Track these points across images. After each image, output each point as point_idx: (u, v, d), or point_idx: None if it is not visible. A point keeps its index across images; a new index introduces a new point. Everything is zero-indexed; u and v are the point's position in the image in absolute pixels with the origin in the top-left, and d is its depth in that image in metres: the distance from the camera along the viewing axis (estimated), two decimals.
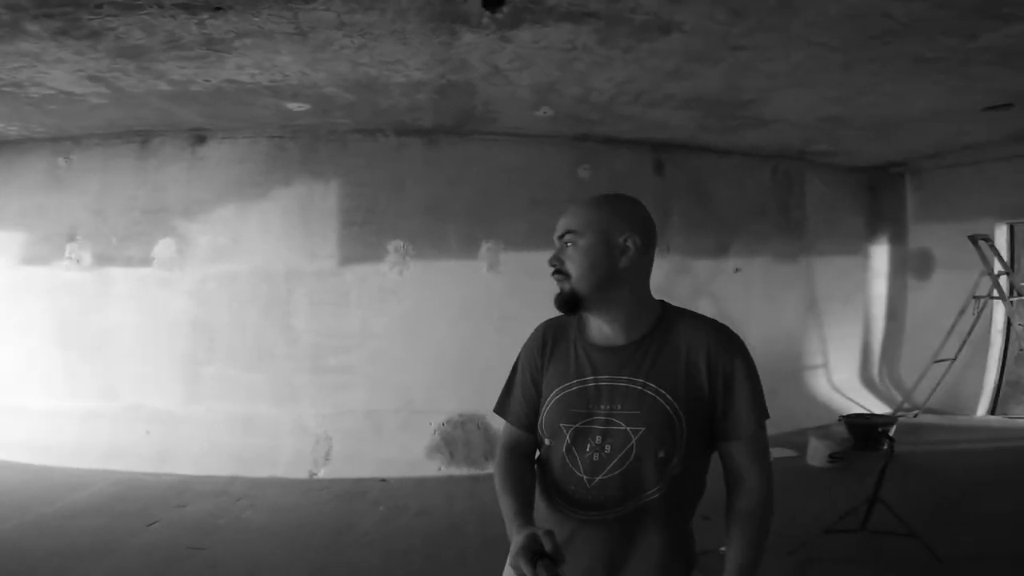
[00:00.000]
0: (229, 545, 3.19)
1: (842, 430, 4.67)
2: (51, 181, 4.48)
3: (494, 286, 4.63)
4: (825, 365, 5.87)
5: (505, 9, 2.49)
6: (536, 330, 1.31)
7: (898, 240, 6.28)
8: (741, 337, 1.23)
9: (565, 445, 1.17)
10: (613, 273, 1.16)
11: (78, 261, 4.49)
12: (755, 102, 3.84)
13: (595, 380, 1.17)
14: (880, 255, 6.28)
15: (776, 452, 4.48)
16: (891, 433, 4.13)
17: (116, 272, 4.51)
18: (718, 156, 5.18)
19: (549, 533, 0.99)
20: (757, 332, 5.15)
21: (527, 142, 4.64)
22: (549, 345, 1.26)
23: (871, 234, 6.21)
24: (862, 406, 5.54)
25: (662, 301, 1.26)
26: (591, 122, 4.29)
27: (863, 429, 4.55)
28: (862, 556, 2.90)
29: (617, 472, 1.14)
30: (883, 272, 6.30)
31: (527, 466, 1.25)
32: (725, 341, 1.18)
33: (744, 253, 5.33)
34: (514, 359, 1.34)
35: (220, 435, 4.39)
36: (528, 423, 1.26)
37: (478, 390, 4.57)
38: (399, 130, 4.45)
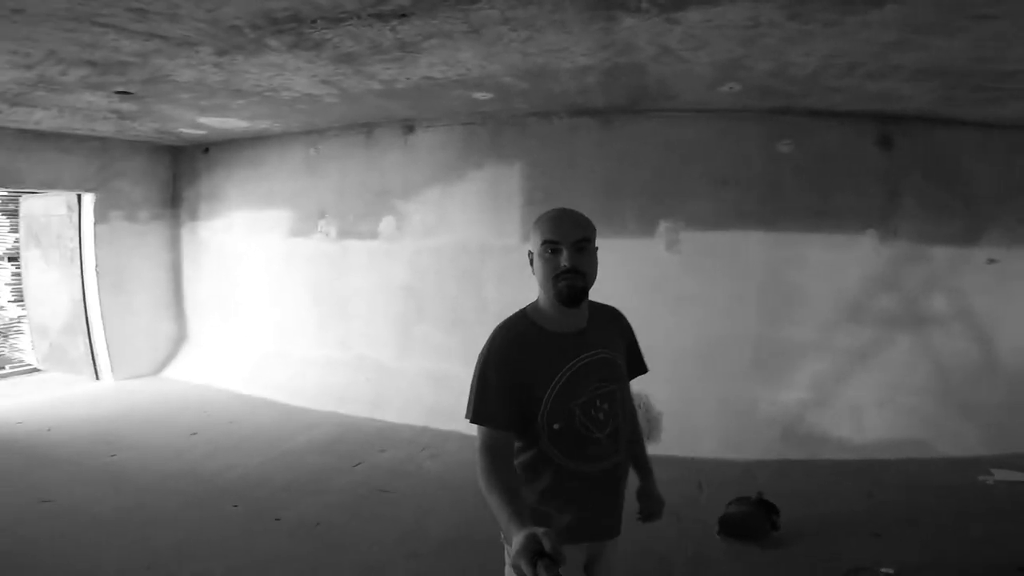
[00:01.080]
0: (410, 490, 3.63)
1: None
2: (306, 168, 5.45)
3: (671, 266, 4.38)
4: None
5: None
6: (498, 340, 1.43)
7: None
8: None
9: (578, 419, 1.41)
10: (596, 273, 1.44)
11: (327, 235, 5.42)
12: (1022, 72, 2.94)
13: (582, 359, 1.43)
14: None
15: (1001, 474, 3.59)
16: None
17: (353, 244, 5.32)
18: (972, 129, 4.07)
19: (548, 533, 1.03)
20: (1012, 337, 4.14)
21: (709, 118, 4.22)
22: (521, 347, 1.41)
23: None
24: None
25: None
26: (791, 95, 3.72)
27: None
28: None
29: (617, 421, 1.47)
30: None
31: (511, 466, 1.37)
32: (624, 317, 1.65)
33: (1003, 242, 4.15)
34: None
35: (419, 389, 4.98)
36: (510, 423, 1.38)
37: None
38: (572, 111, 4.42)
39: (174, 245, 6.33)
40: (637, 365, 1.64)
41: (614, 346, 1.52)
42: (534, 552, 1.00)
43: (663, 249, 4.40)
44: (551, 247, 1.37)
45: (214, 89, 3.82)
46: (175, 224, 6.30)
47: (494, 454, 1.34)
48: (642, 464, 1.71)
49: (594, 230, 1.44)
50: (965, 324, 4.19)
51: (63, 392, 5.54)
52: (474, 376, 1.41)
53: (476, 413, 1.38)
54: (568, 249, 1.36)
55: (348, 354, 5.40)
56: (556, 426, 1.40)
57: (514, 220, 4.69)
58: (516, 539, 1.05)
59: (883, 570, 2.65)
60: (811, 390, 4.28)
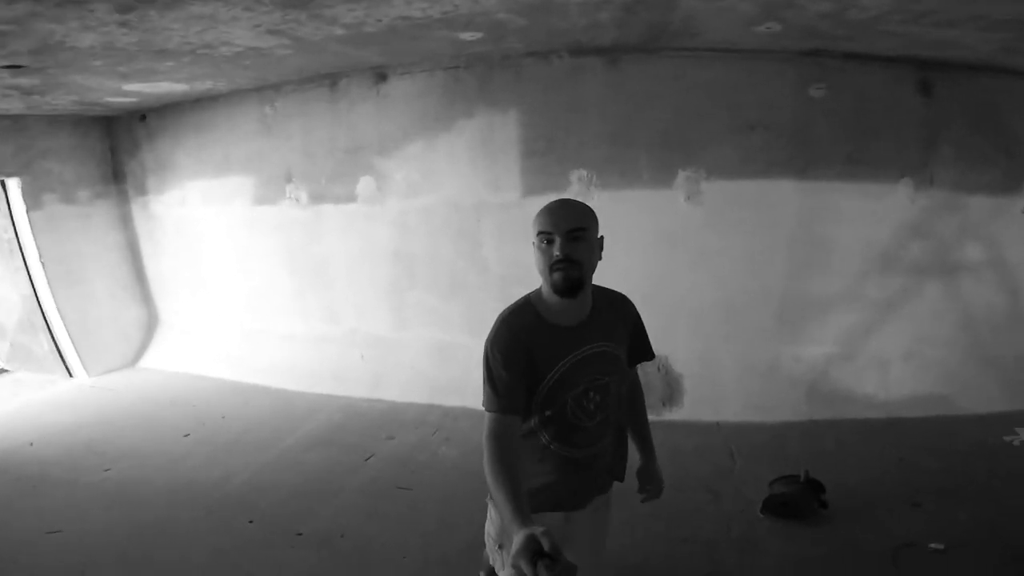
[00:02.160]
0: (428, 484, 3.33)
1: None
2: (263, 129, 4.65)
3: (692, 218, 3.89)
4: None
5: None
6: (503, 328, 1.41)
7: None
8: None
9: (569, 408, 1.44)
10: (596, 263, 1.41)
11: (297, 200, 4.72)
12: None
13: (581, 352, 1.42)
14: None
15: None
16: None
17: (328, 209, 4.65)
18: (1017, 78, 3.61)
19: (547, 533, 1.03)
20: None
21: (734, 58, 3.60)
22: (527, 335, 1.40)
23: None
24: None
25: None
26: (834, 38, 3.12)
27: None
28: None
29: (608, 411, 1.50)
30: None
31: (515, 454, 1.35)
32: (631, 304, 1.58)
33: None
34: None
35: (422, 363, 4.56)
36: (520, 407, 1.39)
37: (666, 329, 3.99)
38: (575, 50, 3.73)
39: (125, 223, 5.54)
40: (641, 352, 1.62)
41: (616, 337, 1.50)
42: (534, 552, 0.99)
43: (682, 200, 3.87)
44: (545, 238, 1.35)
45: (131, 53, 3.03)
46: (122, 201, 5.47)
47: (502, 442, 1.33)
48: (645, 443, 1.74)
49: (593, 219, 1.40)
50: (996, 273, 3.90)
51: (37, 396, 4.96)
52: (483, 365, 1.40)
53: (492, 403, 1.38)
54: (562, 239, 1.33)
55: (338, 328, 4.91)
56: (548, 413, 1.44)
57: (512, 173, 4.08)
58: (516, 538, 1.05)
59: (932, 545, 2.52)
60: (837, 344, 3.99)
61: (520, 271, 4.19)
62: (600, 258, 1.41)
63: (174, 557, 2.76)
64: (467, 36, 3.26)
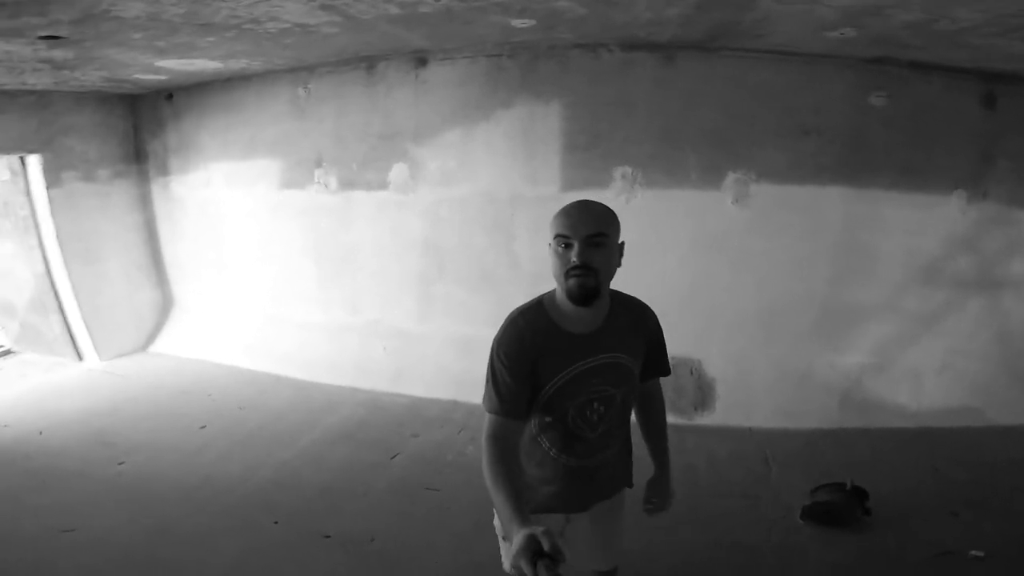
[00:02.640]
0: (456, 484, 3.20)
1: None
2: (295, 111, 4.50)
3: (737, 220, 3.78)
4: None
5: None
6: (511, 330, 1.35)
7: None
8: None
9: (571, 417, 1.39)
10: (614, 271, 1.33)
11: (326, 186, 4.57)
12: None
13: (588, 361, 1.35)
14: None
15: None
16: None
17: (358, 195, 4.50)
18: None
19: (547, 533, 1.01)
20: None
21: (793, 61, 3.50)
22: (534, 339, 1.33)
23: None
24: None
25: None
26: (903, 46, 3.02)
27: None
28: None
29: (611, 423, 1.44)
30: None
31: (516, 457, 1.34)
32: (654, 319, 1.50)
33: None
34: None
35: (445, 357, 4.43)
36: (521, 412, 1.34)
37: (702, 331, 3.94)
38: (626, 44, 3.59)
39: (144, 204, 5.38)
40: (657, 367, 1.54)
41: (630, 348, 1.42)
42: (534, 552, 0.98)
43: (730, 203, 3.76)
44: (563, 241, 1.27)
45: (175, 25, 2.88)
46: (143, 181, 5.31)
47: (502, 444, 1.30)
48: (659, 456, 1.67)
49: (615, 224, 1.31)
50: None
51: (46, 379, 4.79)
52: (488, 363, 1.36)
53: (488, 401, 1.35)
54: (580, 244, 1.25)
55: (359, 318, 4.77)
56: (548, 419, 1.40)
57: (551, 166, 3.95)
58: (516, 539, 1.03)
59: (973, 553, 2.50)
60: (872, 355, 3.90)
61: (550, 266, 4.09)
62: (620, 264, 1.33)
63: (195, 559, 2.61)
64: (519, 23, 3.13)
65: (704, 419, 3.90)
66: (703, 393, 3.96)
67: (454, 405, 4.17)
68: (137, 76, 4.23)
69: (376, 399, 4.34)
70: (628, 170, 3.83)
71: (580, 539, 1.59)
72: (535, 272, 4.11)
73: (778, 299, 3.86)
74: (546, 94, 3.84)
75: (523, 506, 1.18)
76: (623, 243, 1.33)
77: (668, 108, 3.70)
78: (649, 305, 1.50)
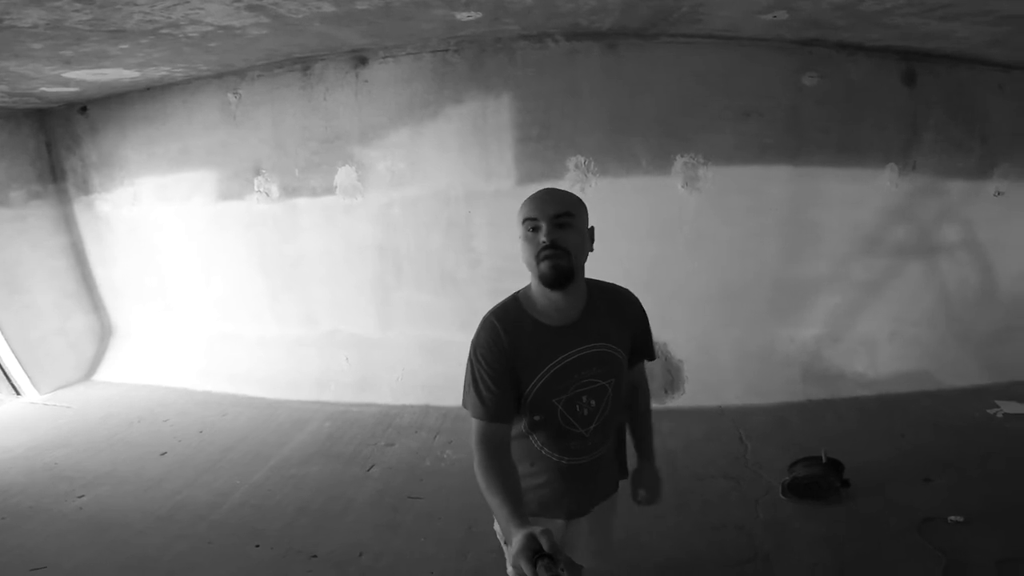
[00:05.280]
0: (440, 492, 3.09)
1: None
2: (227, 118, 4.15)
3: (688, 203, 3.77)
4: None
5: None
6: (489, 327, 1.28)
7: None
8: None
9: (559, 413, 1.31)
10: (586, 255, 1.27)
11: (267, 194, 4.28)
12: None
13: (571, 354, 1.28)
14: None
15: (1007, 407, 3.58)
16: None
17: (303, 202, 4.23)
18: (994, 69, 3.72)
19: (546, 532, 0.99)
20: (1011, 262, 4.02)
21: (731, 46, 3.49)
22: (511, 337, 1.26)
23: None
24: None
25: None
26: (831, 27, 3.07)
27: None
28: None
29: (604, 417, 1.36)
30: None
31: (508, 459, 1.26)
32: (637, 304, 1.42)
33: (1011, 175, 3.93)
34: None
35: (412, 362, 4.27)
36: (506, 414, 1.27)
37: (664, 315, 3.87)
38: (570, 34, 3.49)
39: (68, 225, 4.90)
40: (642, 351, 1.46)
41: (614, 336, 1.33)
42: (534, 552, 0.97)
43: (680, 187, 3.74)
44: (531, 225, 1.23)
45: (81, 33, 2.58)
46: (63, 201, 4.82)
47: (491, 448, 1.24)
48: (642, 444, 1.58)
49: (581, 207, 1.26)
50: (970, 253, 4.03)
51: None
52: (467, 365, 1.30)
53: (471, 406, 1.28)
54: (547, 224, 1.20)
55: (317, 330, 4.54)
56: (537, 417, 1.32)
57: (505, 160, 3.81)
58: (515, 539, 1.01)
59: (951, 518, 2.58)
60: (827, 326, 4.03)
61: (514, 263, 3.92)
62: (592, 249, 1.28)
63: None
64: (464, 16, 2.97)
65: (675, 401, 3.93)
66: (671, 376, 4.00)
67: (426, 410, 4.05)
68: (43, 89, 3.79)
69: (343, 411, 4.14)
70: (581, 159, 3.76)
71: (578, 544, 1.53)
72: (498, 268, 4.01)
73: (734, 278, 3.91)
74: (496, 87, 3.68)
75: (520, 507, 1.14)
76: (592, 228, 1.28)
77: (615, 96, 3.62)
78: (634, 296, 1.42)
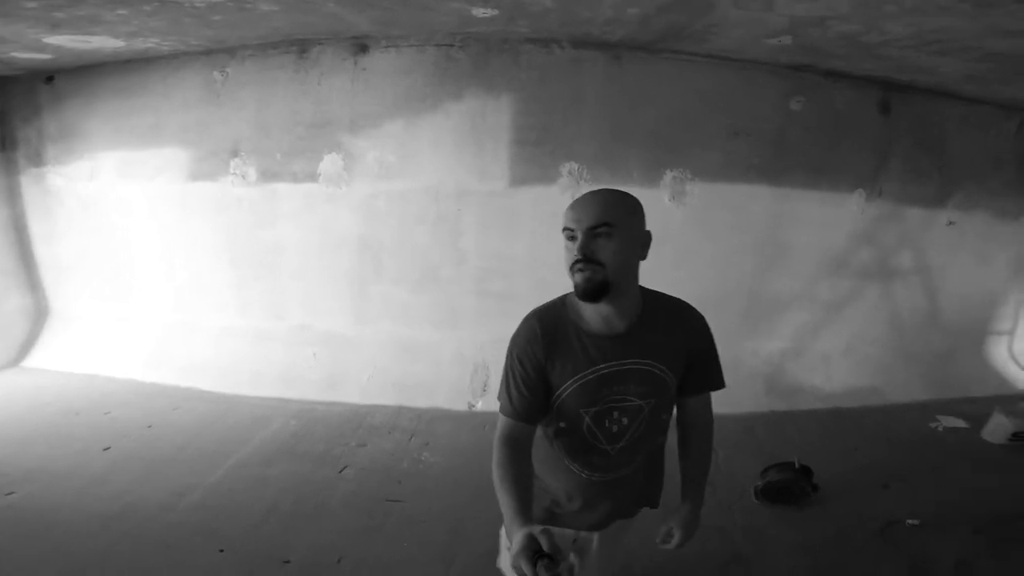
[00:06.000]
0: (420, 494, 2.95)
1: None
2: (208, 96, 3.96)
3: (674, 217, 3.89)
4: (1011, 332, 4.85)
5: None
6: (528, 327, 1.24)
7: None
8: None
9: (586, 425, 1.25)
10: (635, 265, 1.19)
11: (243, 177, 4.07)
12: None
13: (608, 367, 1.21)
14: None
15: (947, 421, 3.82)
16: None
17: (282, 188, 4.04)
18: (960, 103, 4.07)
19: (546, 532, 0.97)
20: (956, 288, 4.38)
21: (728, 66, 3.66)
22: (548, 340, 1.22)
23: None
24: None
25: (640, 286, 1.25)
26: (826, 55, 3.29)
27: None
28: None
29: (635, 437, 1.28)
30: None
31: (527, 459, 1.23)
32: (700, 323, 1.30)
33: (963, 206, 4.32)
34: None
35: (386, 361, 4.12)
36: (532, 416, 1.24)
37: None
38: (577, 42, 3.55)
39: (12, 198, 4.49)
40: (704, 379, 1.33)
41: (663, 356, 1.24)
42: (534, 551, 0.96)
43: (667, 200, 3.86)
44: (569, 234, 1.17)
45: None
46: (10, 172, 4.42)
47: (511, 446, 1.20)
48: (691, 486, 1.42)
49: (627, 213, 1.16)
50: (921, 278, 4.37)
51: None
52: (505, 358, 1.27)
53: (501, 400, 1.26)
54: (582, 236, 1.14)
55: (284, 323, 4.32)
56: (562, 424, 1.27)
57: (501, 161, 3.80)
58: (516, 538, 1.00)
59: (909, 522, 2.75)
60: (791, 340, 4.23)
61: (502, 264, 3.98)
62: (643, 257, 1.20)
63: None
64: (480, 13, 2.97)
65: None
66: None
67: (399, 411, 3.89)
68: (14, 55, 3.50)
69: (309, 409, 3.92)
70: (575, 166, 3.81)
71: (587, 556, 1.48)
72: (484, 268, 3.96)
73: (713, 292, 3.98)
74: (498, 87, 3.69)
75: (527, 508, 1.11)
76: (649, 232, 1.20)
77: (616, 107, 3.71)
78: (701, 317, 1.31)
